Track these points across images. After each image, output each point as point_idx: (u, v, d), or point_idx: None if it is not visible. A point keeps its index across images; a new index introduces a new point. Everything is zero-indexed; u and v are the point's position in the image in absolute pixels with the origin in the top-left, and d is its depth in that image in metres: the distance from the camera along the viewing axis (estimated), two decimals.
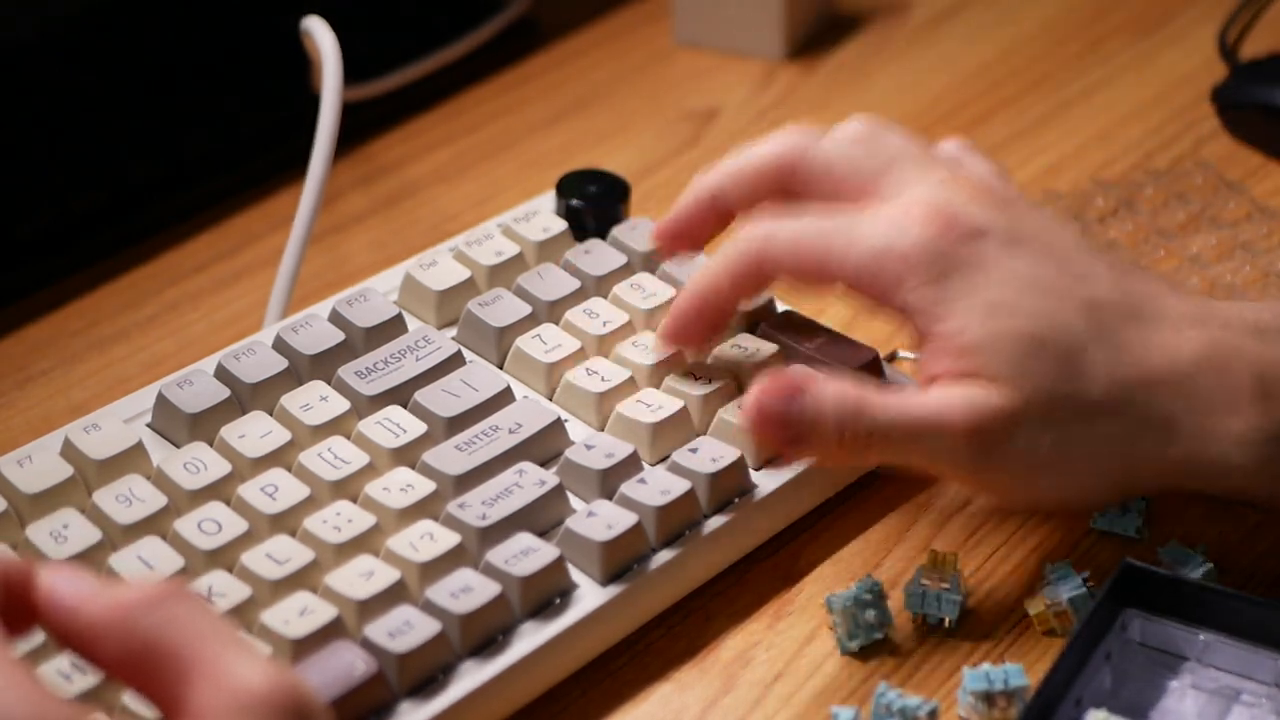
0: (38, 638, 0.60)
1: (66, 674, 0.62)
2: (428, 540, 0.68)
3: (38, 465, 0.69)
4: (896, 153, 0.72)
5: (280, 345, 0.75)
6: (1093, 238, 0.88)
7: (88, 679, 0.62)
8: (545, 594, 0.68)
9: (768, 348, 0.75)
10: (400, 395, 0.74)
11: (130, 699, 0.62)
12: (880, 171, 0.72)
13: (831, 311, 0.85)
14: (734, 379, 0.75)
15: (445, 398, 0.73)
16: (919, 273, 0.69)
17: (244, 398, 0.73)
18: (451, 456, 0.71)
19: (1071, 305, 0.68)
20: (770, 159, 0.73)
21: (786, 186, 0.73)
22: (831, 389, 0.68)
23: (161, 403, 0.73)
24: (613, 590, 0.69)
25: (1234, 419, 0.68)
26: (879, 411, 0.68)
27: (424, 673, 0.65)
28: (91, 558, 0.67)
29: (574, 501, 0.71)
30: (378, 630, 0.65)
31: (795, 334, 0.76)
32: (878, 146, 0.73)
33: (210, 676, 0.52)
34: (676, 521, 0.70)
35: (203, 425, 0.72)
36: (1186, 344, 0.68)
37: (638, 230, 0.81)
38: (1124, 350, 0.68)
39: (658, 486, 0.70)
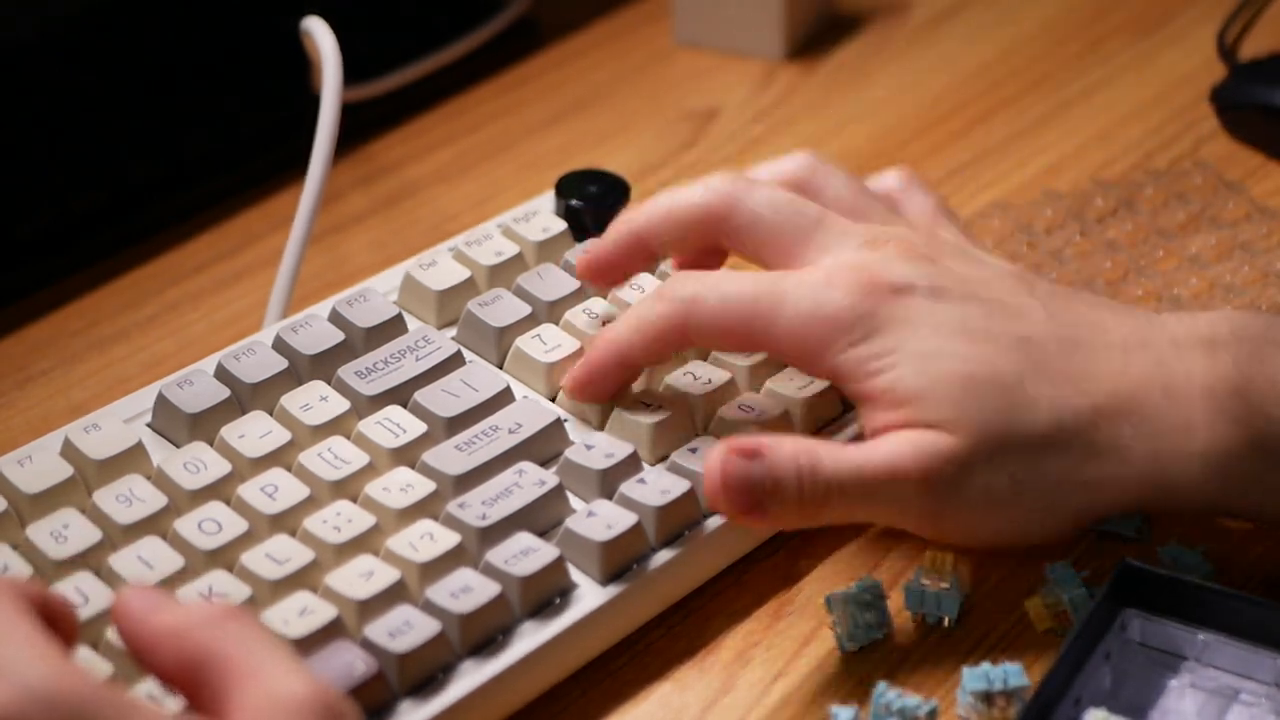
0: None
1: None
2: (428, 540, 0.68)
3: (38, 465, 0.69)
4: (819, 216, 0.72)
5: (280, 345, 0.75)
6: (1093, 238, 0.88)
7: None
8: (545, 594, 0.68)
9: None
10: (400, 395, 0.74)
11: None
12: (806, 233, 0.71)
13: None
14: (734, 377, 0.75)
15: (445, 398, 0.73)
16: (845, 336, 0.69)
17: (244, 398, 0.73)
18: (451, 456, 0.71)
19: (1004, 345, 0.68)
20: (699, 208, 0.73)
21: (713, 236, 0.73)
22: (786, 449, 0.67)
23: (161, 403, 0.73)
24: (613, 590, 0.69)
25: (1189, 439, 0.67)
26: (833, 466, 0.67)
27: (424, 673, 0.65)
28: (91, 558, 0.67)
29: (574, 501, 0.71)
30: (378, 630, 0.65)
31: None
32: (805, 204, 0.72)
33: (252, 682, 0.54)
34: (676, 521, 0.70)
35: (203, 425, 0.72)
36: (1131, 368, 0.68)
37: None
38: (1065, 382, 0.68)
39: (657, 486, 0.70)
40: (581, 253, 0.76)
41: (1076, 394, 0.68)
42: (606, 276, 0.76)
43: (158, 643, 0.56)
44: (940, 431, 0.67)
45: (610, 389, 0.73)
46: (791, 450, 0.67)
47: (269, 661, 0.54)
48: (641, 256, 0.75)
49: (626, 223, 0.74)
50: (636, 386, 0.74)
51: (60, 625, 0.56)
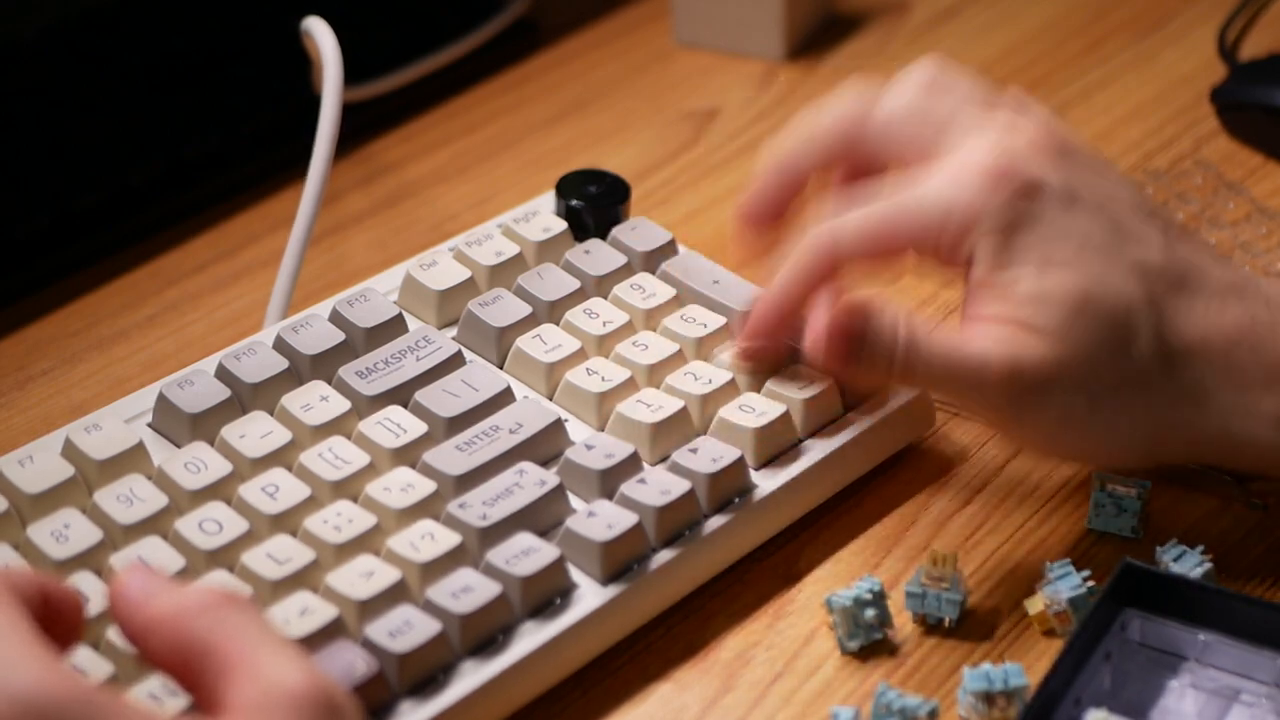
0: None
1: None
2: (428, 540, 0.68)
3: (38, 465, 0.69)
4: (954, 107, 0.73)
5: (281, 345, 0.75)
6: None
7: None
8: (545, 594, 0.68)
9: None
10: (400, 395, 0.74)
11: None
12: (939, 131, 0.72)
13: None
14: (734, 378, 0.75)
15: (445, 398, 0.73)
16: (980, 228, 0.69)
17: (244, 398, 0.73)
18: (452, 456, 0.71)
19: (1122, 267, 0.69)
20: (837, 123, 0.74)
21: (857, 145, 0.74)
22: (889, 315, 0.69)
23: (162, 403, 0.73)
24: (613, 590, 0.69)
25: (1266, 397, 0.68)
26: (927, 345, 0.69)
27: (424, 672, 0.65)
28: (92, 558, 0.67)
29: (574, 501, 0.71)
30: (378, 630, 0.65)
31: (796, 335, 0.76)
32: (935, 103, 0.73)
33: (249, 673, 0.54)
34: (676, 521, 0.70)
35: (203, 425, 0.72)
36: (1227, 317, 0.69)
37: (638, 230, 0.81)
38: (1167, 318, 0.69)
39: (658, 486, 0.70)
40: (738, 206, 0.76)
41: (1174, 333, 0.69)
42: (766, 217, 0.76)
43: (154, 630, 0.55)
44: (1039, 340, 0.68)
45: (781, 334, 0.74)
46: (892, 319, 0.69)
47: (266, 651, 0.54)
48: (794, 185, 0.75)
49: (769, 156, 0.75)
50: (637, 386, 0.74)
51: (63, 617, 0.56)
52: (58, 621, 0.56)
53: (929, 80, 0.74)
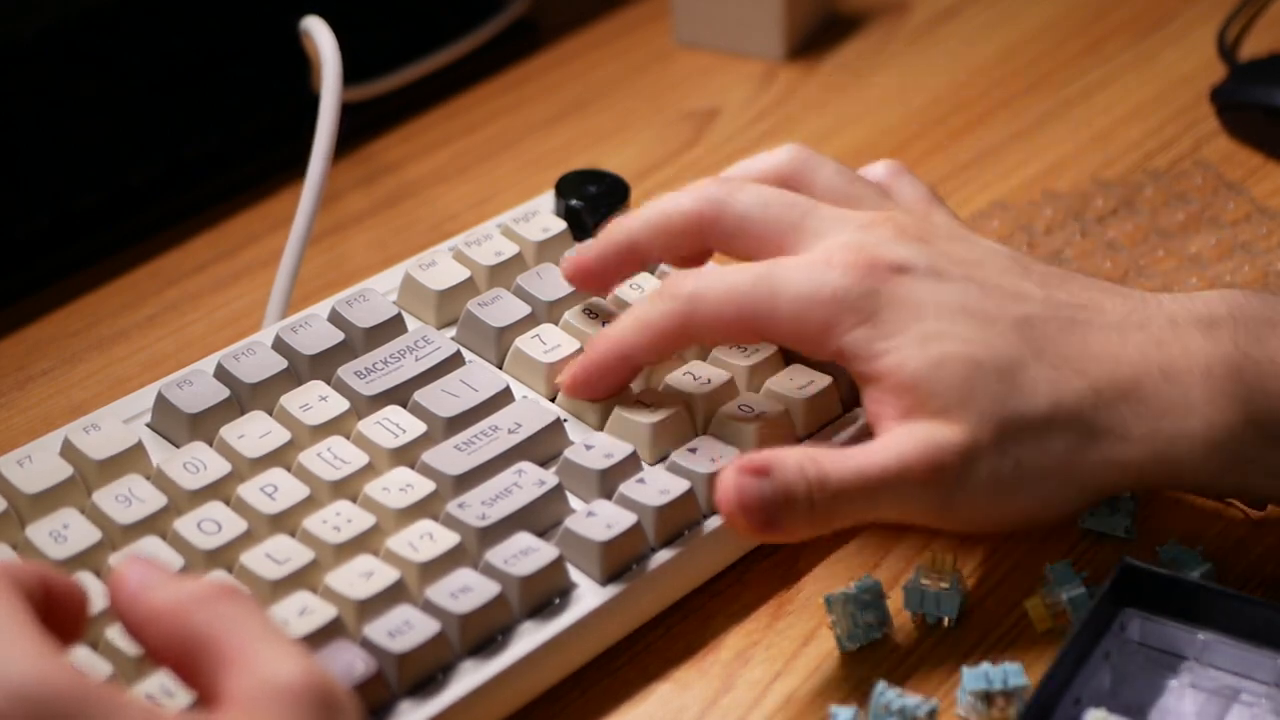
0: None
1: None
2: (427, 540, 0.68)
3: (38, 465, 0.69)
4: (809, 208, 0.72)
5: (280, 345, 0.75)
6: (1093, 238, 0.89)
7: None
8: (545, 594, 0.68)
9: (767, 348, 0.75)
10: (400, 395, 0.74)
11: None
12: (798, 225, 0.71)
13: None
14: (733, 378, 0.75)
15: (445, 398, 0.73)
16: (849, 315, 0.68)
17: (244, 398, 0.73)
18: (451, 456, 0.71)
19: (1004, 326, 0.68)
20: (688, 215, 0.73)
21: (704, 241, 0.73)
22: (792, 462, 0.66)
23: (161, 403, 0.73)
24: (612, 590, 0.69)
25: (1189, 419, 0.67)
26: (837, 473, 0.66)
27: (423, 672, 0.65)
28: (91, 558, 0.67)
29: (573, 501, 0.71)
30: (377, 630, 0.65)
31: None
32: (793, 197, 0.72)
33: (247, 668, 0.53)
34: (676, 521, 0.70)
35: (202, 425, 0.72)
36: (1129, 349, 0.68)
37: None
38: (1065, 363, 0.68)
39: (657, 486, 0.70)
40: (567, 259, 0.76)
41: (1076, 375, 0.68)
42: (595, 283, 0.76)
43: (152, 622, 0.55)
44: (944, 422, 0.67)
45: (610, 387, 0.73)
46: (797, 461, 0.66)
47: (264, 645, 0.54)
48: (631, 264, 0.75)
49: (616, 230, 0.74)
50: (636, 386, 0.74)
51: (64, 609, 0.56)
52: (60, 614, 0.56)
53: (789, 173, 0.74)
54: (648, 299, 0.72)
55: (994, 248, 0.72)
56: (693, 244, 0.73)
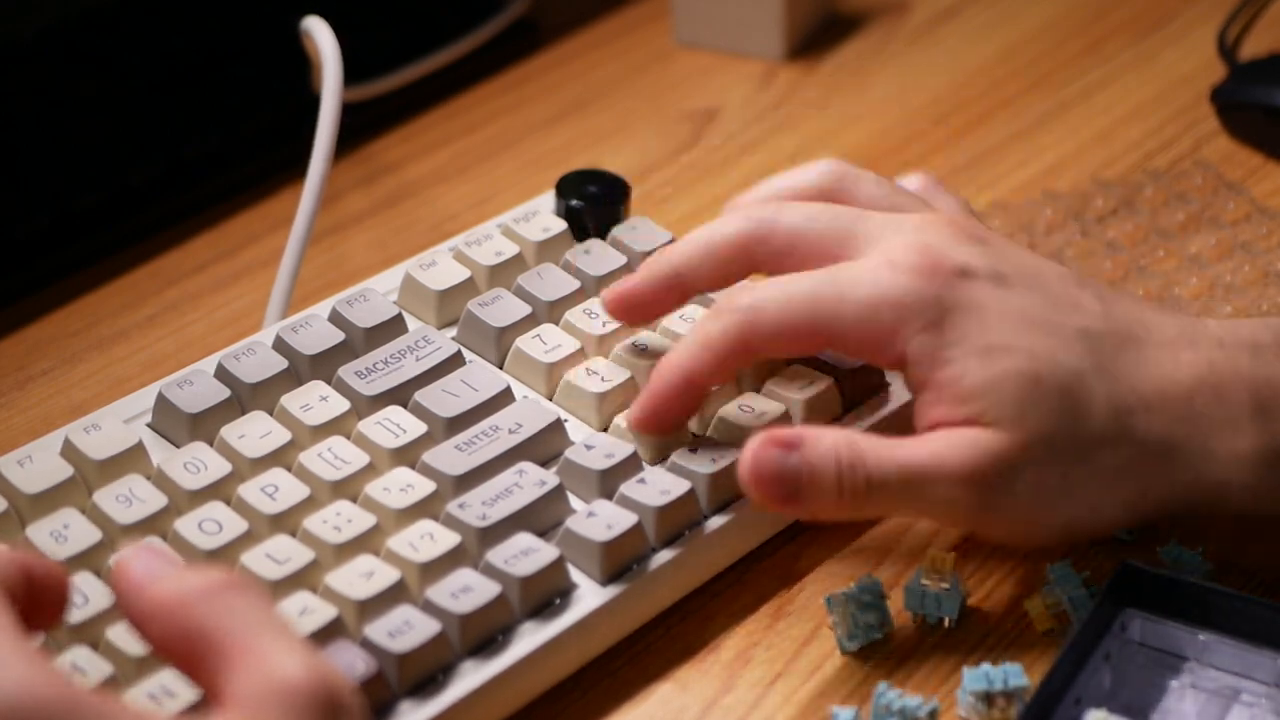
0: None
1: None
2: (428, 540, 0.68)
3: (38, 465, 0.69)
4: (857, 216, 0.71)
5: (280, 345, 0.75)
6: (1093, 238, 0.89)
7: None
8: (545, 594, 0.68)
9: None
10: (400, 395, 0.74)
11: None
12: (850, 234, 0.70)
13: None
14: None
15: (445, 398, 0.73)
16: (915, 320, 0.68)
17: (244, 398, 0.73)
18: (451, 456, 0.71)
19: (1066, 339, 0.68)
20: (736, 238, 0.72)
21: (753, 263, 0.72)
22: (827, 441, 0.66)
23: (161, 403, 0.73)
24: (613, 590, 0.69)
25: (1235, 439, 0.67)
26: (876, 461, 0.66)
27: (424, 673, 0.65)
28: (91, 558, 0.67)
29: (574, 501, 0.71)
30: (378, 630, 0.65)
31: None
32: (840, 209, 0.71)
33: (250, 664, 0.53)
34: (676, 521, 0.70)
35: (203, 425, 0.72)
36: (1182, 367, 0.68)
37: (638, 230, 0.81)
38: (1120, 379, 0.67)
39: (657, 486, 0.70)
40: (611, 290, 0.74)
41: (1130, 392, 0.67)
42: (640, 314, 0.74)
43: (156, 615, 0.54)
44: (995, 430, 0.66)
45: (679, 417, 0.72)
46: (832, 443, 0.66)
47: (268, 641, 0.53)
48: (677, 294, 0.73)
49: (662, 261, 0.73)
50: (637, 386, 0.74)
51: (47, 595, 0.55)
52: (42, 601, 0.55)
53: (829, 188, 0.73)
54: (704, 318, 0.71)
55: (1044, 258, 0.71)
56: (740, 268, 0.72)
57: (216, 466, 0.70)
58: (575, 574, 0.69)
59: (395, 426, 0.72)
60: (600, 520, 0.69)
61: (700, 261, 0.72)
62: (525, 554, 0.68)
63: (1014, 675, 0.66)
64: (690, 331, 0.71)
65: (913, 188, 0.76)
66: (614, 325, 0.77)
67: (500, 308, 0.77)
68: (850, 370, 0.75)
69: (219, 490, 0.70)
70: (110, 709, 0.51)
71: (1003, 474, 0.66)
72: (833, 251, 0.70)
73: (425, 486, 0.70)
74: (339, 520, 0.68)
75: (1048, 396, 0.67)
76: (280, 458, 0.71)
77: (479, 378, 0.74)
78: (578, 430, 0.74)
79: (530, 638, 0.67)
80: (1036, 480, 0.66)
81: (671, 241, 0.81)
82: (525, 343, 0.76)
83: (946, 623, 0.70)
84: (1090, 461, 0.67)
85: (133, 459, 0.71)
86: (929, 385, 0.68)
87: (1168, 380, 0.68)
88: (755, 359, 0.72)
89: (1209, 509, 0.69)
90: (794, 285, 0.69)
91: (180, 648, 0.54)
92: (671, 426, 0.72)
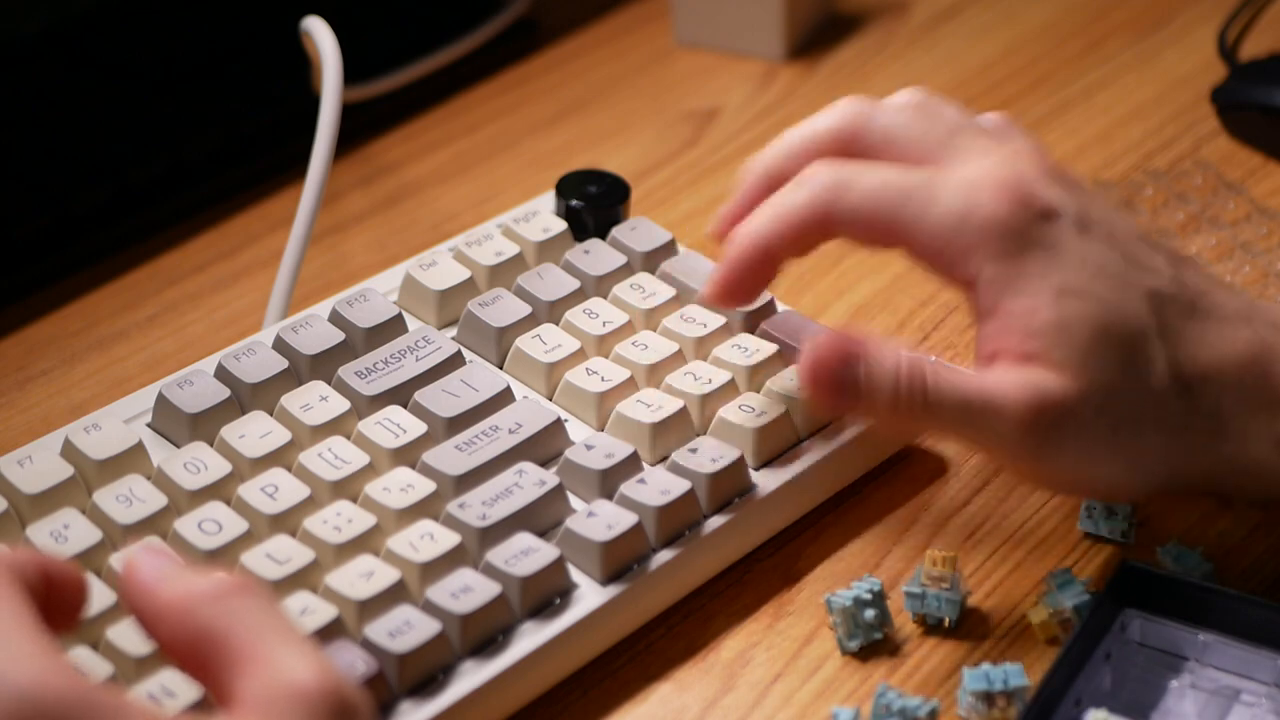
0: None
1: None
2: (428, 540, 0.68)
3: (38, 465, 0.69)
4: (955, 122, 0.71)
5: (280, 345, 0.75)
6: None
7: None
8: (545, 594, 0.68)
9: (768, 348, 0.75)
10: (400, 395, 0.74)
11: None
12: (944, 140, 0.70)
13: (831, 311, 0.85)
14: (734, 378, 0.75)
15: (445, 398, 0.73)
16: (993, 246, 0.68)
17: (244, 398, 0.73)
18: (451, 456, 0.71)
19: (1137, 295, 0.68)
20: (829, 131, 0.72)
21: (848, 154, 0.71)
22: (889, 356, 0.67)
23: (161, 403, 0.73)
24: (613, 590, 0.69)
25: (1273, 421, 0.68)
26: (935, 384, 0.67)
27: (424, 673, 0.65)
28: (92, 558, 0.67)
29: (574, 501, 0.71)
30: (378, 630, 0.65)
31: (796, 335, 0.76)
32: (936, 115, 0.71)
33: (260, 669, 0.53)
34: (676, 521, 0.70)
35: (203, 425, 0.72)
36: (1236, 342, 0.68)
37: (638, 230, 0.81)
38: (1181, 344, 0.68)
39: (658, 486, 0.70)
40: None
41: (1190, 360, 0.68)
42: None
43: (164, 617, 0.54)
44: (1056, 374, 0.66)
45: (753, 288, 0.71)
46: (894, 360, 0.67)
47: (278, 645, 0.53)
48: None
49: (758, 163, 0.72)
50: (640, 382, 0.74)
51: (64, 596, 0.55)
52: (60, 601, 0.55)
53: (923, 102, 0.73)
54: (787, 190, 0.70)
55: (1123, 214, 0.71)
56: (839, 153, 0.71)
57: (216, 466, 0.70)
58: (575, 574, 0.69)
59: (395, 426, 0.72)
60: (600, 520, 0.69)
61: (794, 158, 0.71)
62: (525, 554, 0.68)
63: (1014, 675, 0.66)
64: (769, 201, 0.70)
65: (991, 122, 0.75)
66: (614, 325, 0.77)
67: (500, 308, 0.77)
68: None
69: (219, 490, 0.70)
70: (120, 704, 0.51)
71: (1056, 420, 0.66)
72: (926, 153, 0.70)
73: (425, 486, 0.70)
74: (339, 520, 0.68)
75: (1113, 348, 0.67)
76: (280, 458, 0.71)
77: (479, 378, 0.74)
78: (578, 430, 0.74)
79: (530, 638, 0.67)
80: (1088, 430, 0.67)
81: (671, 242, 0.81)
82: (525, 343, 0.76)
83: (946, 623, 0.70)
84: (1141, 421, 0.67)
85: (133, 459, 0.71)
86: (997, 313, 0.68)
87: (1223, 354, 0.68)
88: (830, 238, 0.71)
89: (1240, 490, 0.70)
90: (884, 174, 0.69)
91: (190, 650, 0.54)
92: (745, 297, 0.72)
